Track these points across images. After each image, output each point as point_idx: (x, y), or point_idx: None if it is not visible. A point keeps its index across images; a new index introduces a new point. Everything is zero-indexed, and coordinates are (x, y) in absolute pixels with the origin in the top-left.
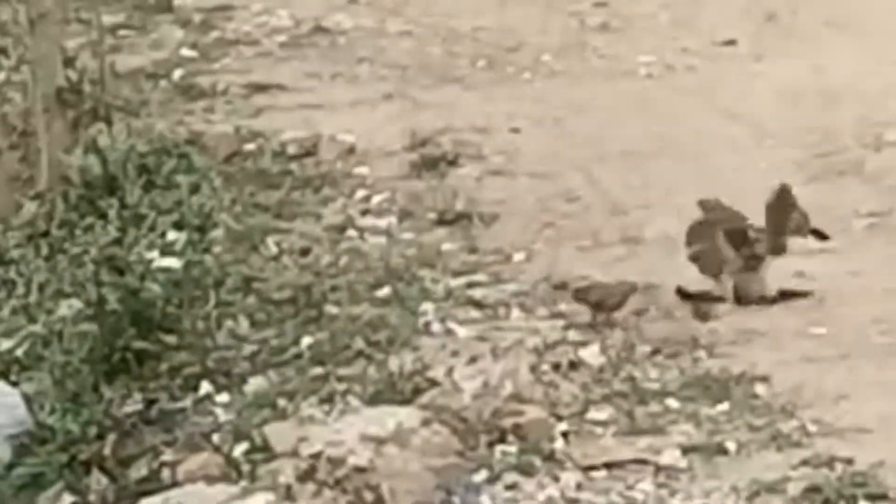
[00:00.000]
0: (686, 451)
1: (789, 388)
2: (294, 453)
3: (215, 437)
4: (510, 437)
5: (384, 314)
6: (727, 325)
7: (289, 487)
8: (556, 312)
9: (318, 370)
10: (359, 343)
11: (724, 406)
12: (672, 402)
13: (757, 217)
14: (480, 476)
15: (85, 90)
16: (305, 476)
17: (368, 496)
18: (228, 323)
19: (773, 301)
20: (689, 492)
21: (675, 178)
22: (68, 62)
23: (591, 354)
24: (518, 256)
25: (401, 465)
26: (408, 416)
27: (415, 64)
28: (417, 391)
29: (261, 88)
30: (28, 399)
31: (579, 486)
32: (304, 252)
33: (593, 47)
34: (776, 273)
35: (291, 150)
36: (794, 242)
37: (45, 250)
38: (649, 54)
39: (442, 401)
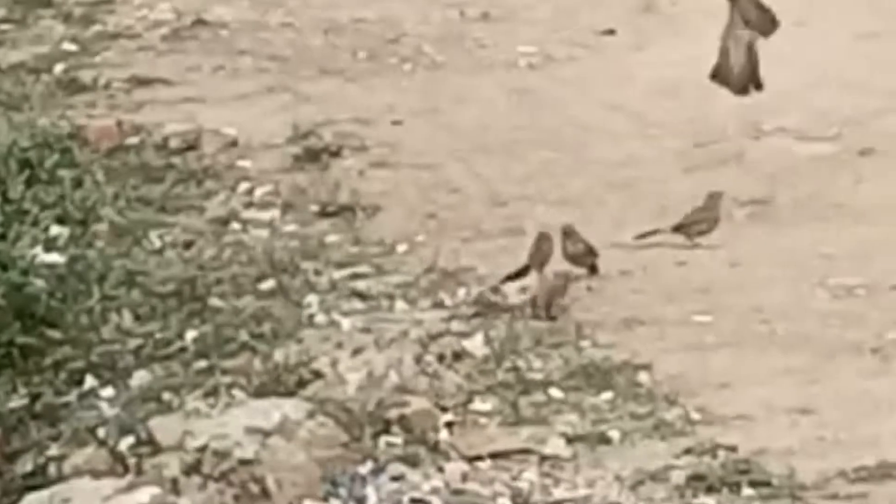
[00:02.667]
0: (570, 440)
1: (672, 377)
2: (179, 447)
3: (101, 432)
4: (395, 428)
5: (268, 306)
6: (609, 313)
7: (175, 481)
8: (440, 303)
9: (203, 363)
10: (243, 336)
11: (608, 395)
12: (556, 392)
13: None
14: (366, 467)
15: None
16: (191, 469)
17: (254, 489)
18: (113, 317)
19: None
20: (573, 481)
21: (556, 169)
22: None
23: (475, 345)
24: (401, 248)
25: (286, 458)
26: (293, 408)
27: (296, 56)
28: (302, 383)
29: (143, 82)
30: None
31: (464, 477)
32: (188, 245)
33: (474, 38)
34: (662, 261)
35: (174, 143)
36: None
37: None
38: (530, 45)
39: (327, 392)
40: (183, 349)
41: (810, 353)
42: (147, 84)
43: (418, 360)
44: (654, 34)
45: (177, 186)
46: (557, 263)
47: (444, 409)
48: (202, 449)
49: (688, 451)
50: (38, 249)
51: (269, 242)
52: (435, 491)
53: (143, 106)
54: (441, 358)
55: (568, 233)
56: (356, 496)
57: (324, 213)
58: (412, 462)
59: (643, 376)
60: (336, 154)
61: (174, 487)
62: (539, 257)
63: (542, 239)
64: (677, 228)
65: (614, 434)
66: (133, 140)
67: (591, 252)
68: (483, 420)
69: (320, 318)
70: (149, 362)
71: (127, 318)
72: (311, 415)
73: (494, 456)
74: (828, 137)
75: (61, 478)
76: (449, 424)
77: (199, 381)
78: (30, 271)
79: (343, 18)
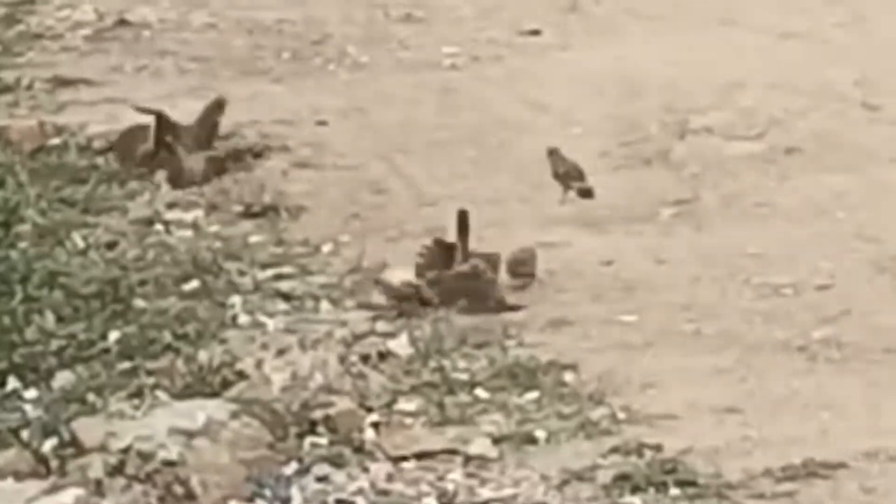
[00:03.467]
0: (496, 440)
1: (598, 376)
2: (103, 448)
3: (24, 433)
4: (320, 429)
5: (192, 307)
6: (534, 313)
7: (98, 482)
8: (364, 304)
9: (127, 364)
10: (167, 337)
11: (533, 395)
12: (481, 392)
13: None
14: (291, 468)
15: None
16: (115, 471)
17: (179, 490)
18: (35, 318)
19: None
20: (499, 481)
21: (481, 168)
22: None
23: (400, 345)
24: (326, 248)
25: (211, 459)
26: (217, 409)
27: (219, 57)
28: (226, 384)
29: (65, 83)
30: None
31: (390, 477)
32: (111, 246)
33: (398, 39)
34: (588, 260)
35: (97, 144)
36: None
37: None
38: (454, 45)
39: (251, 393)
40: (106, 350)
41: (736, 353)
42: (70, 84)
43: (343, 360)
44: (578, 34)
45: (99, 187)
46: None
47: (370, 410)
48: (126, 450)
49: (614, 451)
50: None
51: (193, 243)
52: (360, 491)
53: (65, 106)
54: (366, 358)
55: (553, 153)
56: (281, 497)
57: (248, 214)
58: (337, 462)
59: (569, 376)
60: (260, 155)
61: (98, 489)
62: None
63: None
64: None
65: (540, 434)
66: (56, 141)
67: (580, 173)
68: (408, 420)
69: (244, 319)
70: (72, 363)
71: (50, 320)
72: (235, 416)
73: (420, 456)
74: (753, 136)
75: None
76: (374, 425)
77: (123, 382)
78: None
79: (267, 19)
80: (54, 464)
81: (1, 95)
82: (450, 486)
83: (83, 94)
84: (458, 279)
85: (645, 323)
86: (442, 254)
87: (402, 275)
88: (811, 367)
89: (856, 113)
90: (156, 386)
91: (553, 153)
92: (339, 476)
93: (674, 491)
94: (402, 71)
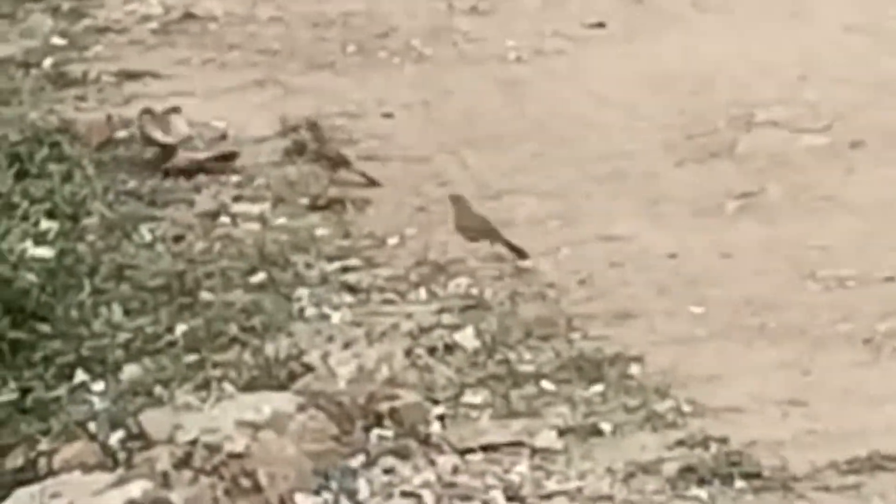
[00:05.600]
0: (561, 433)
1: (663, 369)
2: (170, 441)
3: (91, 426)
4: (386, 422)
5: (258, 300)
6: (600, 306)
7: (165, 475)
8: (431, 296)
9: (193, 357)
10: (233, 329)
11: (599, 387)
12: (547, 385)
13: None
14: (357, 461)
15: None
16: (182, 463)
17: (245, 482)
18: (102, 311)
19: None
20: (565, 474)
21: (545, 162)
22: None
23: (466, 338)
24: (391, 241)
25: (277, 451)
26: (284, 401)
27: (285, 50)
28: (293, 377)
29: (132, 76)
30: None
31: (455, 470)
32: (178, 239)
33: (463, 31)
34: (652, 253)
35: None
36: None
37: None
38: (518, 38)
39: (317, 386)
40: (173, 343)
41: (801, 345)
42: (136, 78)
43: (409, 353)
44: (643, 26)
45: (166, 180)
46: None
47: (436, 402)
48: (193, 443)
49: (679, 444)
50: (28, 244)
51: (260, 236)
52: (426, 484)
53: (132, 99)
54: (432, 351)
55: (458, 200)
56: (347, 489)
57: (314, 207)
58: (403, 455)
59: (634, 368)
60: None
61: (165, 481)
62: None
63: None
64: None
65: (606, 426)
66: (123, 134)
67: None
68: (474, 413)
69: (311, 312)
70: (139, 356)
71: (117, 313)
72: (301, 408)
73: (486, 449)
74: (819, 129)
75: (51, 472)
76: (440, 417)
77: (190, 374)
78: (19, 266)
79: (332, 12)
80: (121, 456)
81: (68, 89)
82: (516, 479)
83: (150, 87)
84: None
85: (710, 316)
86: None
87: None
88: (876, 360)
89: None
90: (222, 378)
91: (457, 201)
92: (405, 468)
93: (739, 483)
94: (466, 64)
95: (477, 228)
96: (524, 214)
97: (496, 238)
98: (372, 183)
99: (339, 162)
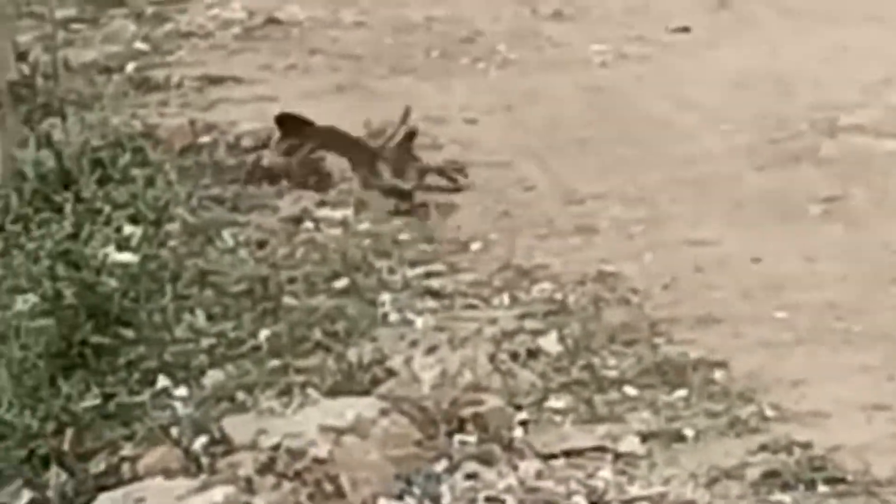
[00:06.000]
0: (645, 438)
1: (747, 374)
2: (253, 446)
3: (174, 431)
4: (469, 427)
5: (342, 305)
6: (683, 310)
7: (248, 480)
8: (514, 301)
9: (277, 362)
10: (317, 334)
11: (682, 392)
12: (630, 390)
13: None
14: (440, 466)
15: (38, 84)
16: (265, 468)
17: (328, 487)
18: (185, 316)
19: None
20: (648, 479)
21: (629, 166)
22: (21, 56)
23: (549, 343)
24: (475, 246)
25: (360, 456)
26: (367, 406)
27: (368, 55)
28: (376, 382)
29: (215, 81)
30: None
31: (539, 475)
32: (261, 244)
33: (547, 36)
34: (737, 258)
35: (246, 142)
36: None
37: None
38: (603, 42)
39: (401, 391)
40: (256, 348)
41: (885, 350)
42: (219, 83)
43: (492, 358)
44: (727, 31)
45: (249, 185)
46: None
47: (519, 408)
48: (276, 448)
49: (763, 449)
50: (111, 249)
51: (343, 241)
52: (509, 489)
53: (215, 105)
54: (515, 356)
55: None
56: (430, 495)
57: (397, 212)
58: (486, 460)
59: (718, 373)
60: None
61: (248, 486)
62: None
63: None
64: None
65: (689, 431)
66: (205, 139)
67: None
68: (557, 418)
69: (394, 317)
70: (222, 361)
71: (200, 318)
72: (384, 413)
73: (569, 454)
74: None
75: (135, 478)
76: (523, 422)
77: (273, 380)
78: (103, 271)
79: (415, 17)
80: (204, 462)
81: (151, 94)
82: (599, 484)
83: (233, 91)
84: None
85: (794, 321)
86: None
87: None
88: None
89: None
90: (305, 384)
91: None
92: (488, 474)
93: (822, 488)
94: (550, 68)
95: None
96: (608, 219)
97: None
98: (456, 189)
99: (426, 169)
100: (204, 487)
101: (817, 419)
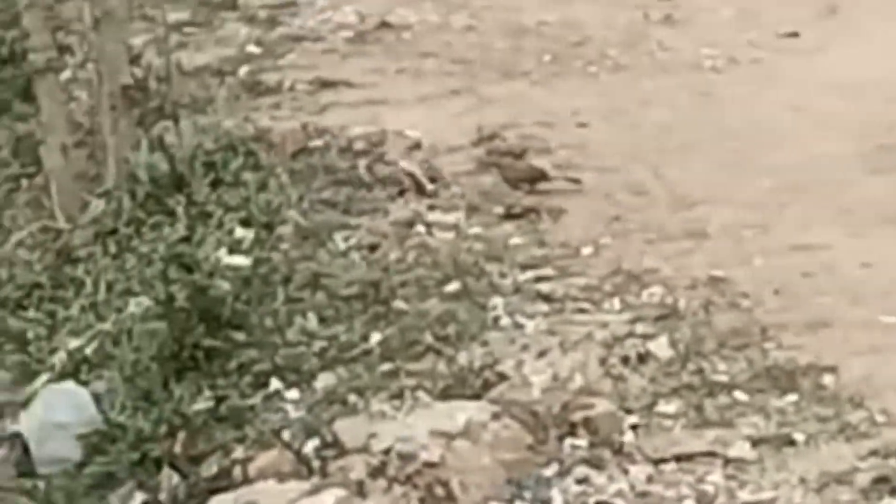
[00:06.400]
0: (755, 443)
1: (857, 379)
2: (365, 449)
3: (285, 434)
4: (580, 431)
5: (453, 309)
6: (793, 315)
7: (360, 483)
8: (625, 305)
9: (388, 366)
10: (428, 338)
11: (793, 397)
12: (740, 395)
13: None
14: (551, 470)
15: (151, 88)
16: (376, 472)
17: (439, 491)
18: (297, 319)
19: None
20: (758, 484)
21: (740, 171)
22: (134, 60)
23: (660, 347)
24: (586, 250)
25: (471, 460)
26: (478, 410)
27: (480, 59)
28: (487, 386)
29: (327, 84)
30: (98, 398)
31: (649, 479)
32: (373, 248)
33: (658, 41)
34: (846, 262)
35: (358, 146)
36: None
37: (113, 248)
38: (713, 47)
39: (511, 395)
40: (368, 352)
41: None
42: (331, 86)
43: (603, 362)
44: (837, 36)
45: (361, 189)
46: None
47: (629, 412)
48: (387, 451)
49: (873, 454)
50: (223, 252)
51: (454, 245)
52: (620, 493)
53: (327, 108)
54: (626, 360)
55: None
56: (541, 499)
57: (508, 216)
58: (597, 464)
59: (828, 378)
60: (520, 157)
61: (359, 490)
62: None
63: None
64: None
65: (799, 436)
66: (317, 142)
67: None
68: (668, 422)
69: (505, 321)
70: (333, 365)
71: (312, 321)
72: (496, 417)
73: (679, 458)
74: None
75: (246, 480)
76: (634, 427)
77: (384, 383)
78: (215, 274)
79: (527, 22)
80: (316, 465)
81: (263, 97)
82: (709, 489)
83: (344, 95)
84: None
85: None
86: None
87: None
88: None
89: None
90: (417, 387)
91: None
92: (598, 478)
93: None
94: (661, 73)
95: None
96: (718, 224)
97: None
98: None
99: (538, 176)
100: (315, 491)
101: None
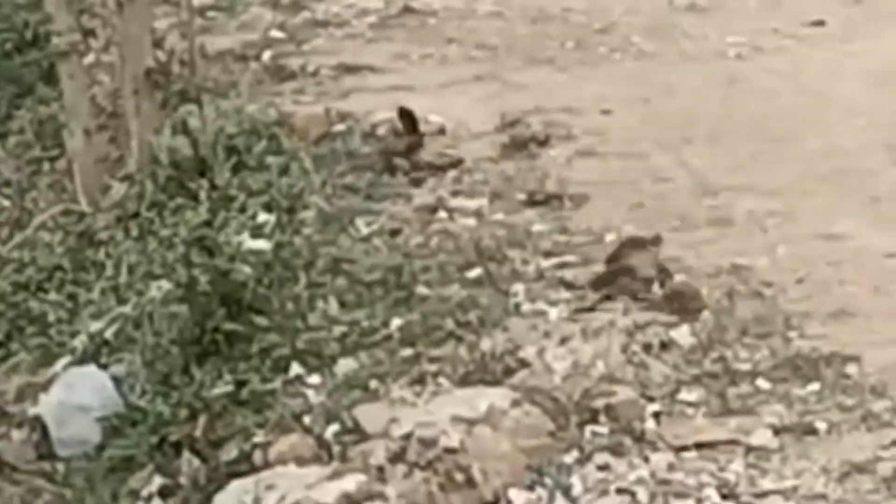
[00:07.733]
0: (777, 431)
1: (880, 368)
2: (385, 434)
3: (306, 419)
4: (601, 418)
5: (475, 295)
6: (817, 304)
7: (380, 468)
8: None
9: (409, 351)
10: (449, 324)
11: (815, 386)
12: (763, 383)
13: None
14: (571, 456)
15: (174, 71)
16: (396, 458)
17: (459, 477)
18: (319, 304)
19: None
20: (780, 472)
21: (764, 160)
22: (157, 43)
23: (682, 335)
24: (609, 237)
25: (492, 446)
26: (499, 396)
27: (504, 45)
28: (508, 372)
29: (350, 70)
30: (118, 381)
31: (670, 467)
32: (395, 233)
33: (682, 28)
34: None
35: (381, 131)
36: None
37: (134, 231)
38: (738, 35)
39: (533, 381)
40: (389, 337)
41: None
42: (355, 71)
43: (625, 349)
44: (862, 25)
45: (383, 174)
46: None
47: (651, 399)
48: (407, 437)
49: (895, 443)
50: (245, 236)
51: (477, 231)
52: (641, 481)
53: (350, 93)
54: (648, 348)
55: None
56: (562, 485)
57: (531, 202)
58: (618, 452)
59: (851, 368)
60: (544, 143)
61: (380, 475)
62: None
63: None
64: None
65: (821, 425)
66: (340, 127)
67: None
68: (690, 410)
69: (527, 307)
70: (355, 350)
71: (333, 306)
72: (516, 404)
73: (701, 446)
74: None
75: (266, 465)
76: (655, 414)
77: (405, 369)
78: (236, 258)
79: (551, 8)
80: (336, 450)
81: (287, 82)
82: (731, 477)
83: (368, 80)
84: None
85: None
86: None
87: None
88: None
89: None
90: (438, 373)
91: None
92: (619, 465)
93: None
94: (686, 61)
95: None
96: (743, 212)
97: None
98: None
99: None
100: (335, 475)
101: None
